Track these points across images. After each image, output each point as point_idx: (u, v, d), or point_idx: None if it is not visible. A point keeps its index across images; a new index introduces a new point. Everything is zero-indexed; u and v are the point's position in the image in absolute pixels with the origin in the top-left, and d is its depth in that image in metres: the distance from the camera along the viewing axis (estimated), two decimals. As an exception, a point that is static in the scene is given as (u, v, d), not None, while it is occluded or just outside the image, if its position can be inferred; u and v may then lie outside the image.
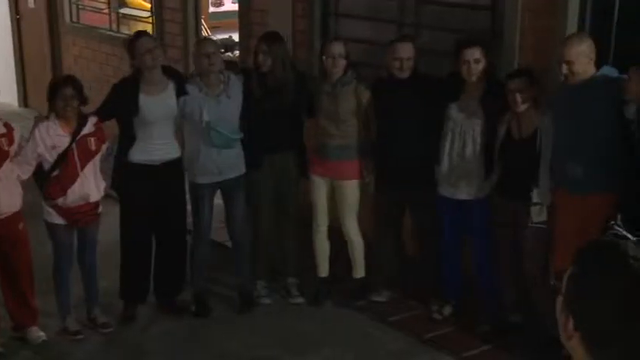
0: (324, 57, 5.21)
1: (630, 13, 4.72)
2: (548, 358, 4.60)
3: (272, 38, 5.37)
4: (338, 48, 5.19)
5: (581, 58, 4.29)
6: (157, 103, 5.08)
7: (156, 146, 5.13)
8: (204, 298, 5.53)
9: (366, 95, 5.21)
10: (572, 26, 4.84)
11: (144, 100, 5.05)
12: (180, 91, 5.14)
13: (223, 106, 5.17)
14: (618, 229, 4.39)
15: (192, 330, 5.33)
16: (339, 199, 5.38)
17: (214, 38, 6.08)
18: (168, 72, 5.22)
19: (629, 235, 4.63)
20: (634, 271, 1.44)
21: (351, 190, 5.32)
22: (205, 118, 5.10)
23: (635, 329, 1.41)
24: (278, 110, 5.25)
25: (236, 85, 5.27)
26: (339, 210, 5.42)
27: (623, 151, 4.24)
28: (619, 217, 4.11)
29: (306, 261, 5.60)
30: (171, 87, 5.14)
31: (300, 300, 5.59)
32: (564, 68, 4.30)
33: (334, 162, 5.30)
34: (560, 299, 1.53)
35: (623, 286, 1.43)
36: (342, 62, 5.17)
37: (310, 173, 5.43)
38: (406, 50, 5.00)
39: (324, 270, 5.60)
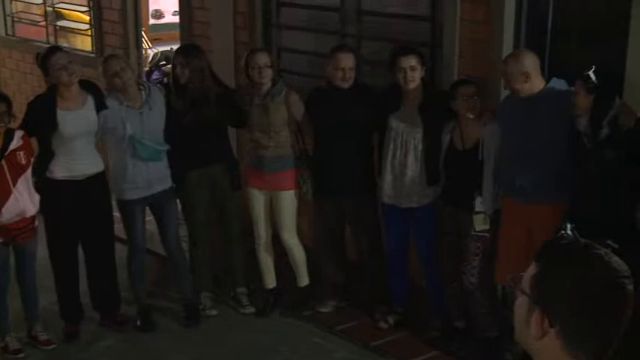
0: (249, 68, 5.19)
1: (564, 24, 4.86)
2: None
3: (189, 50, 5.38)
4: (263, 58, 5.18)
5: (534, 71, 4.36)
6: (77, 118, 4.99)
7: (77, 161, 5.05)
8: (149, 311, 5.48)
9: (299, 106, 5.22)
10: (508, 37, 4.96)
11: (62, 115, 4.96)
12: (100, 106, 5.07)
13: (146, 118, 5.12)
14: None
15: (138, 345, 5.27)
16: (277, 210, 5.38)
17: (118, 54, 5.99)
18: (87, 86, 5.12)
19: None
20: (606, 267, 1.51)
21: (289, 200, 5.33)
22: (129, 131, 5.05)
23: (609, 323, 1.47)
24: (201, 123, 5.22)
25: (157, 95, 5.22)
26: (277, 221, 5.41)
27: (573, 163, 4.30)
28: (569, 227, 4.20)
29: (254, 271, 5.60)
30: (90, 101, 5.04)
31: (251, 310, 5.58)
32: (520, 80, 4.34)
33: (271, 174, 5.29)
34: (523, 300, 1.56)
35: (597, 283, 1.49)
36: (269, 72, 5.17)
37: (247, 186, 5.43)
38: (347, 60, 5.05)
39: (270, 282, 5.60)
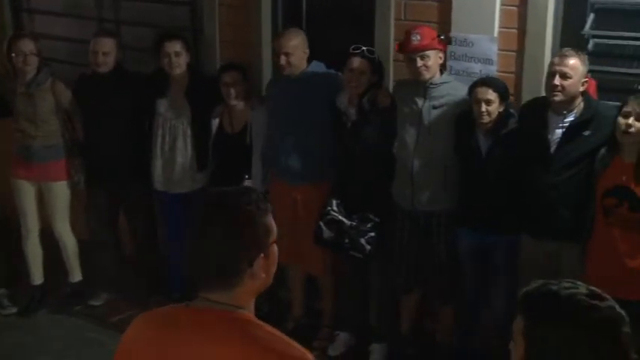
0: (13, 55, 4.95)
1: (318, 8, 5.07)
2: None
3: None
4: (27, 45, 4.96)
5: (298, 52, 4.49)
6: None
7: None
8: None
9: (66, 94, 5.05)
10: (266, 21, 5.09)
11: None
12: None
13: None
14: (334, 214, 4.77)
15: None
16: (49, 202, 5.19)
17: None
18: None
19: (345, 220, 5.02)
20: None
21: (61, 191, 5.15)
22: None
23: None
24: None
25: None
26: (49, 213, 5.22)
27: (334, 140, 4.49)
28: (334, 202, 4.43)
29: (16, 268, 5.33)
30: None
31: (13, 310, 5.32)
32: (282, 59, 4.45)
33: (39, 164, 5.09)
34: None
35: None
36: (34, 59, 4.97)
37: (14, 177, 5.18)
38: (102, 45, 4.94)
39: (38, 277, 5.36)
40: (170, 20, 5.54)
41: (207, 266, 1.79)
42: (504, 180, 3.94)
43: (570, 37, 4.04)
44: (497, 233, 4.02)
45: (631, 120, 3.46)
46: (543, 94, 4.01)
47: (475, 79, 4.11)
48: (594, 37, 4.04)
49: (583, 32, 4.04)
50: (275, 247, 1.88)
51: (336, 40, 4.60)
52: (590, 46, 4.03)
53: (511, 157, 3.90)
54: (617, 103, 3.62)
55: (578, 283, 1.59)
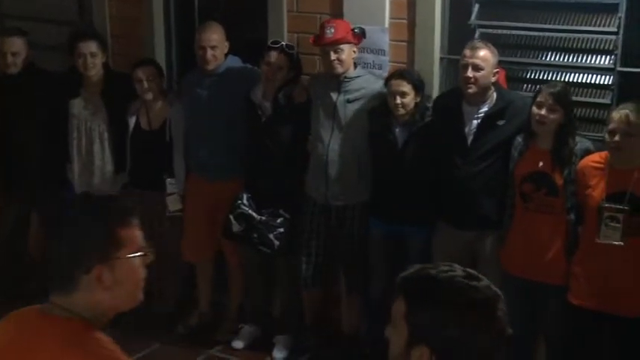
0: None
1: (211, 2, 5.04)
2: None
3: None
4: None
5: (222, 45, 4.42)
6: None
7: None
8: None
9: None
10: (158, 15, 5.02)
11: None
12: None
13: None
14: (244, 208, 4.74)
15: None
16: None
17: None
18: None
19: (255, 214, 4.98)
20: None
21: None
22: None
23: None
24: None
25: None
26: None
27: (249, 134, 4.42)
28: (245, 196, 4.40)
29: None
30: None
31: None
32: (209, 53, 4.36)
33: None
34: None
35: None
36: None
37: None
38: (12, 44, 4.73)
39: None
40: (57, 14, 5.38)
41: (50, 267, 1.79)
42: (420, 171, 3.98)
43: (458, 28, 4.17)
44: (412, 224, 4.06)
45: (544, 111, 3.57)
46: (435, 83, 4.12)
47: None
48: (480, 27, 4.18)
49: (470, 22, 4.17)
50: (132, 264, 1.77)
51: (230, 34, 4.57)
52: (476, 36, 4.16)
53: (428, 149, 3.95)
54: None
55: (455, 265, 1.65)
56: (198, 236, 4.66)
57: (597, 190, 3.46)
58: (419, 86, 3.94)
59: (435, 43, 4.14)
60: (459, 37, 3.88)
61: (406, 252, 4.12)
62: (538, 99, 3.59)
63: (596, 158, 3.52)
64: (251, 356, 4.59)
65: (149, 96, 4.60)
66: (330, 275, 4.46)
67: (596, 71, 3.92)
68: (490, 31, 4.15)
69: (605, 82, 3.89)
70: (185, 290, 4.99)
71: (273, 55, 4.26)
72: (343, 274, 4.40)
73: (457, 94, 3.87)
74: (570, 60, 3.96)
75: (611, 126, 3.40)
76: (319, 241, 4.31)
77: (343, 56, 4.03)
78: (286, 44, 4.32)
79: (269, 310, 4.77)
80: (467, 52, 3.75)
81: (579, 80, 3.96)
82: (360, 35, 4.16)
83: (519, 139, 3.71)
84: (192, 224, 4.66)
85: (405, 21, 4.21)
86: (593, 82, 3.93)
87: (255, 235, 4.34)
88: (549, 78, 4.01)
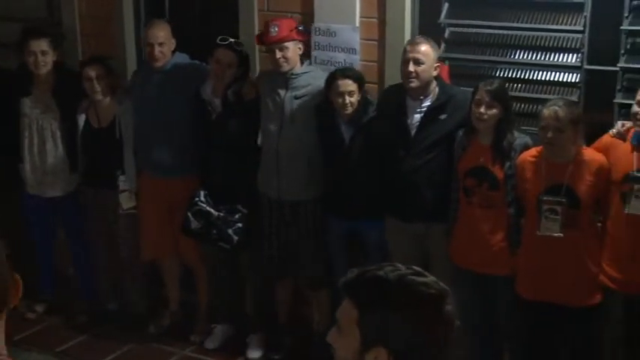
0: None
1: (181, 0, 5.03)
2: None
3: None
4: None
5: (169, 42, 4.41)
6: None
7: None
8: None
9: None
10: (128, 13, 4.99)
11: None
12: None
13: None
14: (202, 204, 4.72)
15: None
16: None
17: None
18: None
19: (212, 210, 4.97)
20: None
21: None
22: None
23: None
24: None
25: None
26: None
27: (200, 131, 4.44)
28: (202, 193, 4.40)
29: None
30: None
31: None
32: (157, 50, 4.35)
33: None
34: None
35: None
36: None
37: None
38: None
39: None
40: (25, 11, 5.31)
41: None
42: (368, 166, 4.03)
43: (428, 27, 4.20)
44: (365, 219, 4.12)
45: (482, 108, 3.63)
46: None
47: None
48: (449, 25, 4.22)
49: (440, 21, 4.20)
50: None
51: (200, 32, 4.57)
52: (446, 34, 4.20)
53: (373, 144, 4.00)
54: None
55: (398, 265, 1.65)
56: (154, 235, 4.66)
57: (535, 184, 3.56)
58: (362, 83, 4.00)
59: (405, 42, 4.17)
60: (429, 35, 3.91)
61: (364, 247, 4.18)
62: (476, 97, 3.66)
63: (534, 153, 3.62)
64: (225, 356, 4.59)
65: (98, 95, 4.59)
66: (295, 272, 4.45)
67: (563, 69, 3.98)
68: (459, 29, 4.19)
69: (573, 80, 3.95)
70: (154, 290, 4.98)
71: (222, 53, 4.26)
72: (302, 272, 4.40)
73: (401, 89, 3.92)
74: (538, 58, 4.02)
75: (542, 122, 3.50)
76: (277, 236, 4.33)
77: (288, 54, 4.07)
78: (235, 41, 4.32)
79: (242, 309, 4.77)
80: (408, 47, 3.83)
81: (547, 78, 4.03)
82: (305, 32, 4.19)
83: (461, 133, 3.79)
84: (148, 223, 4.65)
85: (375, 20, 4.24)
86: (560, 79, 4.00)
87: (215, 232, 4.35)
88: (518, 76, 4.07)
